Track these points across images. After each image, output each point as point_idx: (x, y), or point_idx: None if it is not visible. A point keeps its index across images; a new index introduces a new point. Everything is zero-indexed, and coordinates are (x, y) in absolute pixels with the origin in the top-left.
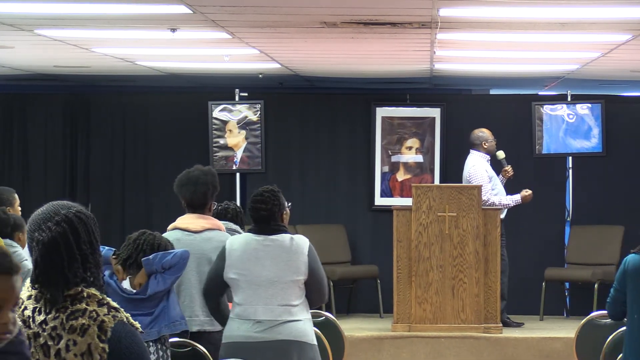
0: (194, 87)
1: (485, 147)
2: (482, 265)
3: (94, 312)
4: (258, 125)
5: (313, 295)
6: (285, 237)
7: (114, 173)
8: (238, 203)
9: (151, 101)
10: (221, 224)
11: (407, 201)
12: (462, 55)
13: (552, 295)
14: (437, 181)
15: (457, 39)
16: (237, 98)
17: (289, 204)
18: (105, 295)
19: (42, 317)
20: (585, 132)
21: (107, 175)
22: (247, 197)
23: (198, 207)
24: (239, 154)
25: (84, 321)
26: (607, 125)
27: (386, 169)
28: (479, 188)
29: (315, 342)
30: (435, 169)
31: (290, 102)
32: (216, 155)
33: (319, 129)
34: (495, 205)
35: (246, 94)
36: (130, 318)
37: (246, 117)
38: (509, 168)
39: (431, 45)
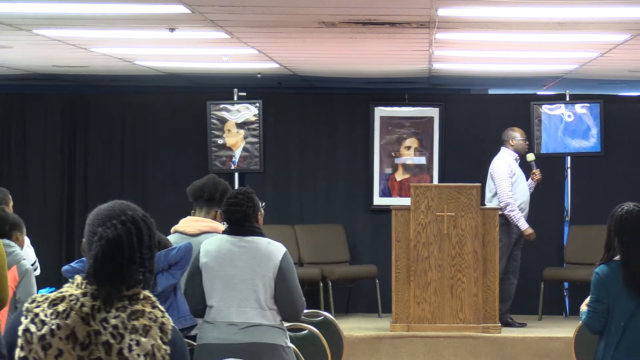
0: (192, 87)
1: (512, 144)
2: (480, 265)
3: (152, 314)
4: (256, 125)
5: (282, 309)
6: (261, 240)
7: (112, 173)
8: None
9: (150, 101)
10: (221, 226)
11: (406, 201)
12: (460, 55)
13: (551, 295)
14: (435, 181)
15: (455, 38)
16: (235, 98)
17: (263, 204)
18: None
19: (102, 315)
20: (584, 132)
21: (106, 175)
22: None
23: (207, 200)
24: (237, 153)
25: (145, 322)
26: (606, 125)
27: (386, 169)
28: (477, 188)
29: (289, 344)
30: (434, 168)
31: (288, 102)
32: (214, 155)
33: (317, 128)
34: (508, 214)
35: (245, 94)
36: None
37: (245, 117)
38: (537, 172)
39: (429, 45)
